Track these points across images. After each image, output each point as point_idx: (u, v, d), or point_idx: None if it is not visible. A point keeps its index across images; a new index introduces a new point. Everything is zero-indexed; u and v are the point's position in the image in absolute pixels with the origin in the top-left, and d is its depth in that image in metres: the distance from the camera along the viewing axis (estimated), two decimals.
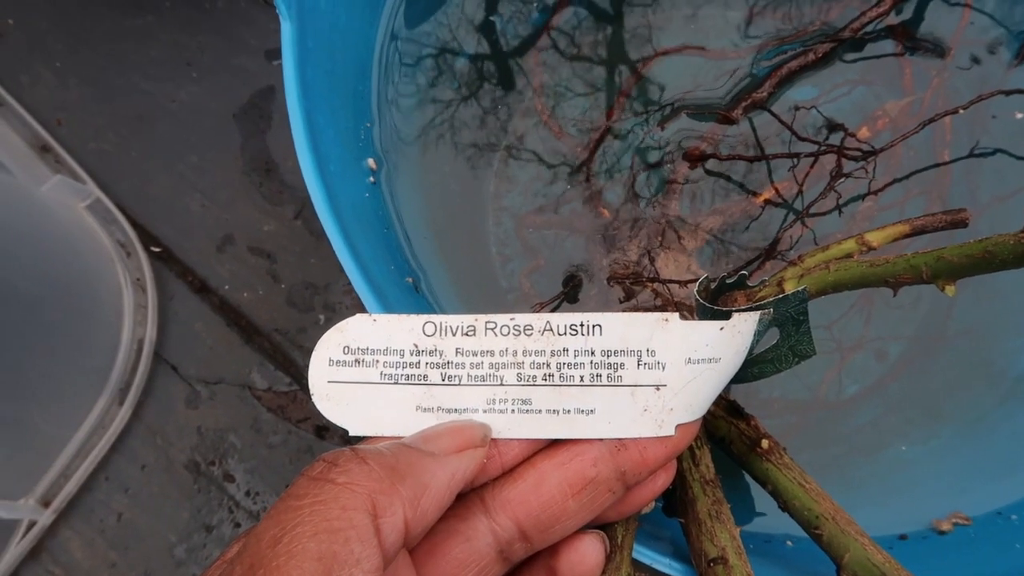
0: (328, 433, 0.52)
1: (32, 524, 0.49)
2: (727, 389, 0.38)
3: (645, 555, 0.29)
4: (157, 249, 0.55)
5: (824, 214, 0.40)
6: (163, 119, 0.57)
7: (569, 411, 0.25)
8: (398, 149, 0.43)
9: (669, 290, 0.37)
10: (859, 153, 0.37)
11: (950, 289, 0.23)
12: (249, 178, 0.56)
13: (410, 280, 0.39)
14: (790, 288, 0.29)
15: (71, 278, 0.49)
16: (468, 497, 0.25)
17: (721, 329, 0.24)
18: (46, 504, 0.49)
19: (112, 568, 0.50)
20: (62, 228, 0.51)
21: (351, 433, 0.25)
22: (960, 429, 0.41)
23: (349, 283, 0.56)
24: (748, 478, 0.39)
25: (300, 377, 0.53)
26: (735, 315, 0.24)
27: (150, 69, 0.58)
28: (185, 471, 0.51)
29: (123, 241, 0.54)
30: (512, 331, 0.25)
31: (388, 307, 0.30)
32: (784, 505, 0.30)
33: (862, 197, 0.40)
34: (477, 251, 0.43)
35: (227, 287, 0.54)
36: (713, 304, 0.26)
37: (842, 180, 0.37)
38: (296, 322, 0.54)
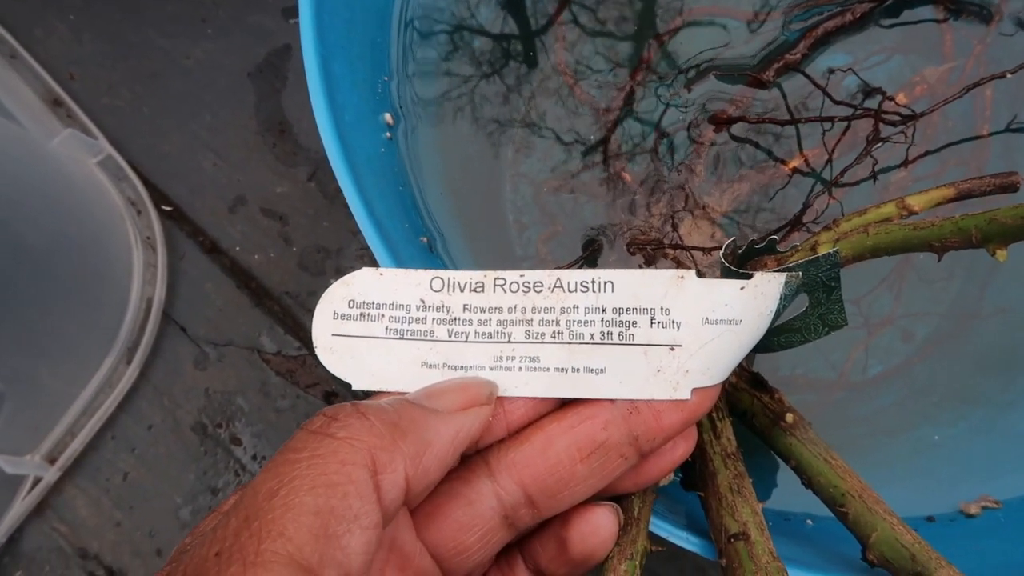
0: (337, 399, 0.51)
1: (37, 480, 0.48)
2: (750, 360, 0.37)
3: (662, 528, 0.28)
4: (168, 208, 0.54)
5: (855, 184, 0.39)
6: (177, 76, 0.56)
7: (578, 370, 0.24)
8: (416, 107, 0.41)
9: (692, 257, 0.36)
10: (898, 117, 0.35)
11: (1001, 254, 0.22)
12: (263, 138, 0.55)
13: (424, 240, 0.37)
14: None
15: (80, 233, 0.48)
16: (472, 460, 0.24)
17: (742, 289, 0.23)
18: (52, 461, 0.49)
19: (117, 527, 0.50)
20: (72, 183, 0.50)
21: (354, 387, 0.24)
22: (989, 413, 0.40)
23: (362, 248, 0.55)
24: (764, 455, 0.38)
25: (310, 342, 0.51)
26: (757, 275, 0.23)
27: (165, 25, 0.57)
28: (192, 433, 0.51)
29: (134, 199, 0.53)
30: (521, 288, 0.24)
31: (401, 264, 0.29)
32: (808, 482, 0.29)
33: (898, 166, 0.38)
34: (493, 217, 0.42)
35: (238, 248, 0.53)
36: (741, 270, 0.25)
37: (879, 145, 0.35)
38: (307, 286, 0.53)
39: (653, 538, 0.27)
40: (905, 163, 0.37)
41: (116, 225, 0.51)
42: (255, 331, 0.52)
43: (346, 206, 0.30)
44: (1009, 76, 0.35)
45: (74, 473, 0.50)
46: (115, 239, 0.51)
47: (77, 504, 0.50)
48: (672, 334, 0.23)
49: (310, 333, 0.53)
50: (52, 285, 0.46)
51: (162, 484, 0.50)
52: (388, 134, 0.39)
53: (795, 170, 0.39)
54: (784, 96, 0.40)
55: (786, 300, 0.24)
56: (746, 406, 0.32)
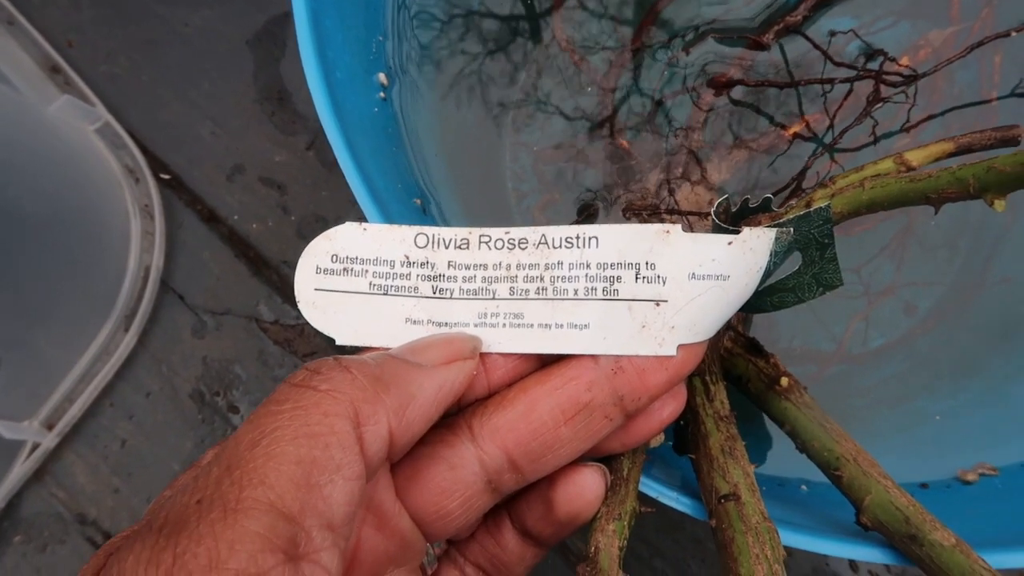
0: None
1: (36, 446, 0.48)
2: (747, 326, 0.37)
3: (652, 488, 0.28)
4: (166, 176, 0.54)
5: (857, 149, 0.38)
6: (176, 44, 0.55)
7: (562, 325, 0.23)
8: (412, 69, 0.41)
9: (688, 222, 0.35)
10: (899, 78, 0.35)
11: (999, 204, 0.21)
12: (261, 107, 0.54)
13: (418, 201, 0.37)
14: None
15: (78, 201, 0.48)
16: (455, 424, 0.23)
17: (730, 244, 0.22)
18: (50, 427, 0.49)
19: (115, 494, 0.50)
20: (70, 150, 0.49)
21: (338, 342, 0.24)
22: (990, 384, 0.39)
23: (361, 217, 0.54)
24: (763, 422, 0.37)
25: None
26: (746, 230, 0.22)
27: None
28: (190, 400, 0.51)
29: (132, 167, 0.53)
30: (507, 245, 0.24)
31: (391, 222, 0.29)
32: (802, 446, 0.29)
33: (901, 130, 0.37)
34: (492, 185, 0.42)
35: (236, 217, 0.53)
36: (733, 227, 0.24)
37: (879, 106, 0.34)
38: None
39: (644, 499, 0.27)
40: (907, 127, 0.36)
41: (114, 193, 0.51)
42: (253, 300, 0.52)
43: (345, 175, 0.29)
44: (1014, 35, 0.34)
45: (72, 439, 0.50)
46: (113, 207, 0.51)
47: (75, 470, 0.50)
48: (657, 289, 0.23)
49: None
50: (49, 251, 0.45)
51: (160, 451, 0.50)
52: (382, 94, 0.38)
53: (796, 135, 0.38)
54: (785, 59, 0.39)
55: (777, 257, 0.23)
56: (741, 371, 0.31)
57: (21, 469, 0.48)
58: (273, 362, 0.51)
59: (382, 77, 0.38)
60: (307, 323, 0.51)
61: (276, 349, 0.51)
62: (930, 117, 0.37)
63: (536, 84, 0.42)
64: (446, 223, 0.39)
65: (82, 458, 0.50)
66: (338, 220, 0.52)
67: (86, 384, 0.49)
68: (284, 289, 0.52)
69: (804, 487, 0.35)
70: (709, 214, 0.35)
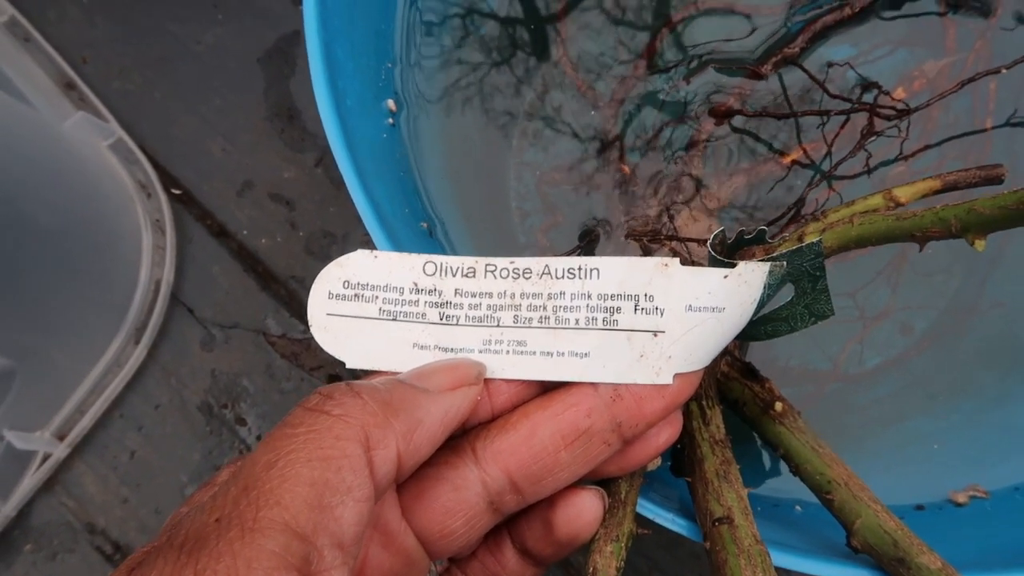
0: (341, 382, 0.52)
1: (47, 456, 0.49)
2: (743, 351, 0.38)
3: (649, 510, 0.29)
4: (177, 191, 0.55)
5: (852, 177, 0.39)
6: (188, 61, 0.56)
7: (563, 354, 0.24)
8: (419, 94, 0.42)
9: (687, 248, 0.36)
10: (893, 111, 0.35)
11: (980, 244, 0.22)
12: (271, 123, 0.55)
13: (425, 225, 0.38)
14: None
15: (91, 215, 0.49)
16: (459, 446, 0.24)
17: (725, 277, 0.23)
18: (61, 438, 0.50)
19: (124, 504, 0.51)
20: (83, 165, 0.50)
21: (348, 366, 0.25)
22: (983, 405, 0.40)
23: (367, 233, 0.55)
24: (759, 443, 0.38)
25: None
26: (741, 264, 0.23)
27: (176, 9, 0.57)
28: (198, 413, 0.52)
29: (144, 182, 0.54)
30: (511, 274, 0.25)
31: (399, 246, 0.30)
32: (795, 469, 0.30)
33: (896, 160, 0.38)
34: (496, 205, 0.42)
35: (245, 232, 0.54)
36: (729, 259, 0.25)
37: (873, 139, 0.35)
38: (313, 270, 0.53)
39: (641, 521, 0.28)
40: (902, 157, 0.37)
41: (126, 207, 0.52)
42: (261, 314, 0.53)
43: None
44: (1004, 72, 0.35)
45: (83, 450, 0.51)
46: (125, 221, 0.52)
47: (85, 480, 0.51)
48: (655, 320, 0.24)
49: None
50: (62, 265, 0.46)
51: (168, 462, 0.51)
52: (391, 120, 0.39)
53: (794, 163, 0.39)
54: (784, 88, 0.40)
55: (771, 289, 0.24)
56: (737, 395, 0.32)
57: (32, 479, 0.49)
58: (280, 375, 0.52)
59: (390, 103, 0.39)
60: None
61: (283, 363, 0.52)
62: (927, 147, 0.38)
63: (541, 107, 0.43)
64: (452, 246, 0.39)
65: (92, 468, 0.51)
66: (346, 236, 0.53)
67: (97, 395, 0.50)
68: (292, 304, 0.53)
69: (798, 507, 0.36)
70: (706, 243, 0.36)
